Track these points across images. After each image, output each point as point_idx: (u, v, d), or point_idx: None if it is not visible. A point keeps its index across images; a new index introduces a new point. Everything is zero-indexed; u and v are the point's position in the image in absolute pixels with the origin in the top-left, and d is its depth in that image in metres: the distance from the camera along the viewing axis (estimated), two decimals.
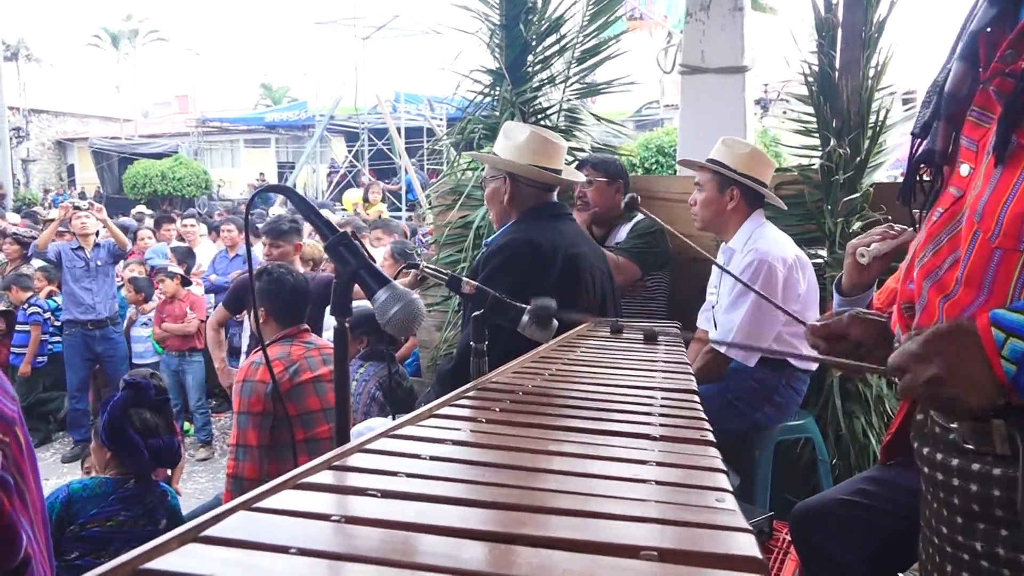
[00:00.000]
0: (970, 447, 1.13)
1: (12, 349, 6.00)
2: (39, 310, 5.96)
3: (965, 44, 1.17)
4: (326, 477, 0.83)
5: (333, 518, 0.71)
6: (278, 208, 12.99)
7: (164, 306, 5.74)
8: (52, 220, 6.23)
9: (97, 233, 5.84)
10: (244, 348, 5.28)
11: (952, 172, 1.20)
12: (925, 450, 1.24)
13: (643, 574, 0.63)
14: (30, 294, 5.99)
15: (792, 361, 2.78)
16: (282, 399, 2.74)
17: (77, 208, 5.91)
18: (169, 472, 3.34)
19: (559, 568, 0.63)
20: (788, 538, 2.33)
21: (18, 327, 6.00)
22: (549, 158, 2.39)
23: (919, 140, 1.25)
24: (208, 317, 5.95)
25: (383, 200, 12.92)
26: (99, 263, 5.76)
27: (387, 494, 0.78)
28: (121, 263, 6.24)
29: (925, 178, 1.28)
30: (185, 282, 5.87)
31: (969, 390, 1.01)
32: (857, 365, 1.40)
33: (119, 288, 6.12)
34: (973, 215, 1.09)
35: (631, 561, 0.65)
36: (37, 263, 6.62)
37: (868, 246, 1.91)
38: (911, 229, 1.92)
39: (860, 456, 3.27)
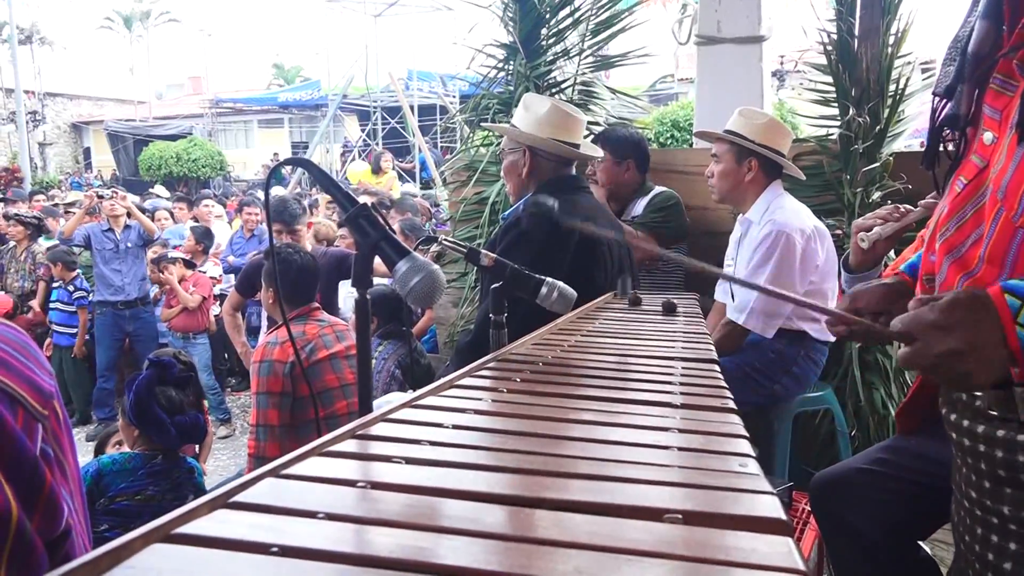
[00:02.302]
0: (995, 414, 1.13)
1: (56, 328, 6.11)
2: (84, 293, 6.04)
3: (988, 1, 1.14)
4: (350, 446, 0.84)
5: (359, 484, 0.72)
6: (283, 190, 12.83)
7: (172, 291, 5.85)
8: (70, 204, 6.30)
9: (128, 215, 5.91)
10: (264, 327, 5.32)
11: (975, 137, 1.18)
12: (952, 416, 1.23)
13: (668, 536, 0.63)
14: (74, 274, 6.05)
15: (810, 332, 2.77)
16: (307, 378, 2.76)
17: (101, 197, 6.00)
18: (197, 448, 3.39)
19: (583, 531, 0.64)
20: (807, 508, 2.34)
21: (61, 306, 6.08)
22: (569, 132, 2.38)
23: (943, 101, 1.22)
24: (214, 296, 6.06)
25: (393, 169, 12.52)
26: (129, 244, 5.84)
27: (411, 461, 0.79)
28: None
29: (949, 146, 1.25)
30: (189, 264, 5.96)
31: (984, 366, 0.98)
32: (866, 325, 1.37)
33: None
34: (996, 192, 1.07)
35: (655, 524, 0.65)
36: (44, 243, 6.69)
37: (870, 229, 1.89)
38: (918, 209, 1.91)
39: (879, 427, 3.26)
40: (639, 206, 3.39)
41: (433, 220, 7.38)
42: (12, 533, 0.71)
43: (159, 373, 2.48)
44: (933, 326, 1.00)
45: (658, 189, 3.42)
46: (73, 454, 0.86)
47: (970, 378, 1.00)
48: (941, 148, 1.26)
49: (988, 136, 1.13)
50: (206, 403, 5.89)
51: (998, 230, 1.06)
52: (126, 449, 2.66)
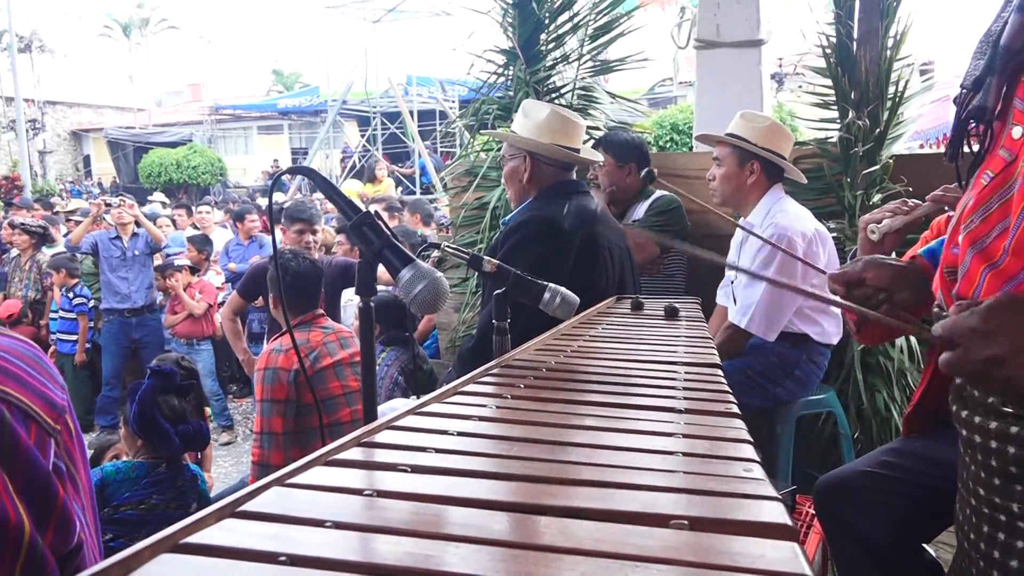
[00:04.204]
0: (1009, 410, 1.12)
1: (60, 336, 6.12)
2: (84, 300, 6.05)
3: None
4: (356, 454, 0.84)
5: (365, 492, 0.72)
6: (282, 196, 12.82)
7: (176, 298, 5.89)
8: (71, 211, 6.31)
9: (136, 223, 5.93)
10: (266, 334, 5.31)
11: (1003, 131, 1.16)
12: (964, 413, 1.22)
13: (674, 543, 0.63)
14: (76, 281, 6.06)
15: (812, 335, 2.77)
16: (311, 386, 2.76)
17: (109, 205, 6.02)
18: (199, 455, 3.38)
19: (590, 537, 0.64)
20: (811, 512, 2.34)
21: (63, 313, 6.09)
22: (568, 137, 2.38)
23: (969, 94, 1.20)
24: (217, 304, 6.07)
25: (390, 176, 12.41)
26: (136, 252, 5.85)
27: (417, 469, 0.79)
28: None
29: (972, 140, 1.23)
30: (192, 270, 6.00)
31: None
32: (899, 324, 1.36)
33: None
34: None
35: (661, 530, 0.65)
36: (49, 251, 6.71)
37: (879, 222, 1.90)
38: (925, 203, 1.91)
39: (882, 430, 3.26)
40: (640, 210, 3.39)
41: (432, 224, 7.35)
42: (24, 549, 0.72)
43: (161, 382, 2.47)
44: (974, 332, 0.97)
45: (659, 193, 3.42)
46: (85, 468, 0.87)
47: (1011, 384, 0.98)
48: (965, 140, 1.24)
49: (1017, 130, 1.12)
50: (208, 410, 5.92)
51: None
52: (124, 459, 2.66)
